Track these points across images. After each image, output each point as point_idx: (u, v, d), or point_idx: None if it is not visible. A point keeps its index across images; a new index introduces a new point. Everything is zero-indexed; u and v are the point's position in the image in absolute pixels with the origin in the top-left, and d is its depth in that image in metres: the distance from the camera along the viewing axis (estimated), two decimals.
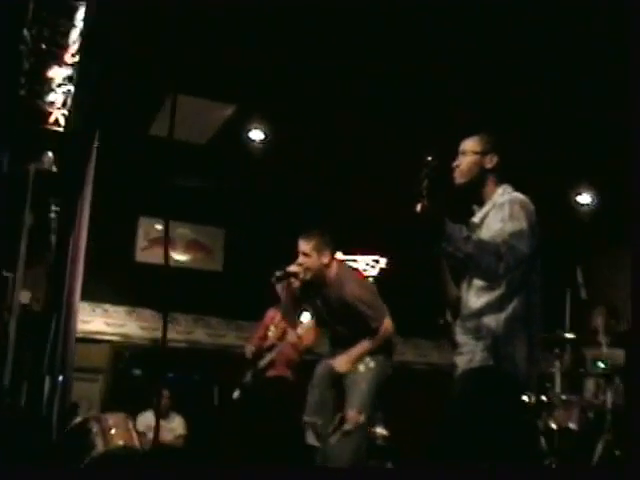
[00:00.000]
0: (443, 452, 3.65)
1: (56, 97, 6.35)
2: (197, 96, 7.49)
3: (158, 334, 9.45)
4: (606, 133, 7.35)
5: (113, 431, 3.86)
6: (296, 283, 5.49)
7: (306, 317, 6.71)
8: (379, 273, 10.04)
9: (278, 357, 7.05)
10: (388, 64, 6.68)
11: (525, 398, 7.10)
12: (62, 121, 6.81)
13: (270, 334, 7.13)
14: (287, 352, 7.00)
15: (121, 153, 7.84)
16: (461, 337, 3.71)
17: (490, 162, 3.82)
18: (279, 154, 8.28)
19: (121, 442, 3.81)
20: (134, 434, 3.94)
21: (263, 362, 7.10)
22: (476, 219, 3.79)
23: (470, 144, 3.87)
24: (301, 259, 5.27)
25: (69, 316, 3.78)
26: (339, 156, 8.49)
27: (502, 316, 3.59)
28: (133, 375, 9.05)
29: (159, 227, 9.39)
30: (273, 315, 7.19)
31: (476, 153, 3.81)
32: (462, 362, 3.66)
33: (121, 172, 8.30)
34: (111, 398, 8.86)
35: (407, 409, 8.72)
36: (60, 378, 3.77)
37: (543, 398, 6.73)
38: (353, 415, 5.07)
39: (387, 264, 10.08)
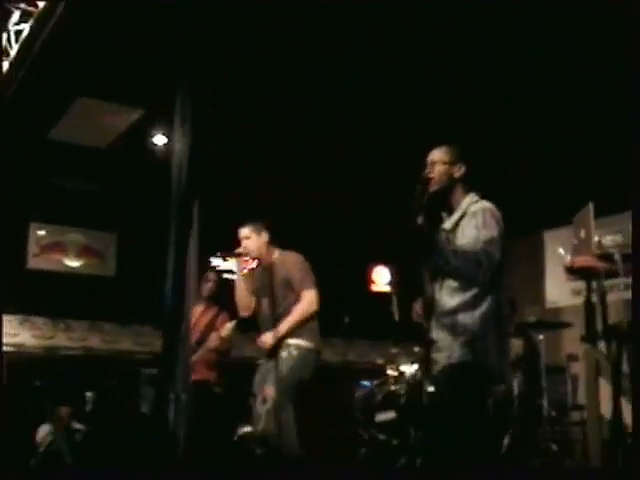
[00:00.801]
0: (430, 445, 3.93)
1: None
2: (103, 99, 7.42)
3: (52, 342, 9.30)
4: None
5: None
6: (250, 262, 5.76)
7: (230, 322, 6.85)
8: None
9: (199, 360, 6.95)
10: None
11: None
12: None
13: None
14: (208, 355, 6.98)
15: (13, 156, 7.64)
16: (438, 334, 3.99)
17: (458, 171, 4.13)
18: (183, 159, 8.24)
19: None
20: None
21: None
22: (447, 225, 4.09)
23: (439, 155, 4.16)
24: (244, 243, 5.92)
25: None
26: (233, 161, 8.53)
27: (477, 314, 3.92)
28: (31, 386, 8.78)
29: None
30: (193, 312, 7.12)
31: (445, 163, 4.12)
32: (441, 358, 3.95)
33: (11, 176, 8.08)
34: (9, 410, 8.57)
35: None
36: None
37: None
38: (269, 393, 5.51)
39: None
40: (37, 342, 9.21)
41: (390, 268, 8.67)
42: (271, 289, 5.78)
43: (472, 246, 3.85)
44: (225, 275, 6.01)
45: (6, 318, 8.90)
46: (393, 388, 7.61)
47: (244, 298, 6.08)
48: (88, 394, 8.20)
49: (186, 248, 3.71)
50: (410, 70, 6.59)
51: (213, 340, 6.91)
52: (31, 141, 8.01)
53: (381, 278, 10.93)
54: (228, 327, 6.78)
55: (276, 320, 5.72)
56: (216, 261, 5.81)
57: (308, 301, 5.70)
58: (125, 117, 7.79)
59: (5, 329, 8.90)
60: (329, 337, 9.83)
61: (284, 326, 5.66)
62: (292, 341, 5.70)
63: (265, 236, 5.98)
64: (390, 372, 7.75)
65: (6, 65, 6.21)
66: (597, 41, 6.09)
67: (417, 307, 4.26)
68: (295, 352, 5.65)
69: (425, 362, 4.09)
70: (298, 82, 6.85)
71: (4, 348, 8.77)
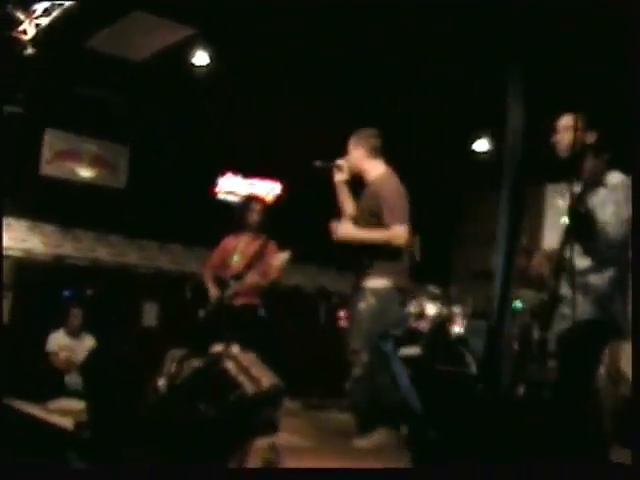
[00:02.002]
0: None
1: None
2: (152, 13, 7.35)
3: (60, 250, 9.26)
4: None
5: (254, 371, 4.02)
6: (338, 176, 5.57)
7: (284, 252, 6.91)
8: (274, 198, 10.35)
9: (245, 286, 6.93)
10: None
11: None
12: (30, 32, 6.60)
13: (234, 262, 7.08)
14: (256, 280, 7.04)
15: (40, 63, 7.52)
16: (567, 291, 4.21)
17: (590, 138, 4.30)
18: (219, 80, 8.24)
19: (268, 383, 3.97)
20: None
21: (230, 290, 6.93)
22: (586, 196, 4.21)
23: (568, 120, 4.32)
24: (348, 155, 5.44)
25: None
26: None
27: (606, 276, 4.18)
28: (39, 292, 8.79)
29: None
30: (234, 243, 7.14)
31: (576, 129, 4.24)
32: (571, 314, 4.18)
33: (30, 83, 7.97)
34: (20, 315, 8.60)
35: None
36: None
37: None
38: (356, 354, 5.09)
39: (281, 190, 10.41)
40: (45, 249, 9.12)
41: None
42: (368, 212, 5.25)
43: (615, 225, 4.03)
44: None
45: (15, 223, 8.85)
46: (414, 325, 7.99)
47: (343, 207, 5.57)
48: None
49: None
50: None
51: (263, 268, 6.92)
52: (64, 47, 7.80)
53: None
54: (282, 257, 6.79)
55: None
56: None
57: (394, 234, 5.09)
58: (172, 34, 7.71)
59: (14, 234, 8.87)
60: None
61: (357, 231, 5.23)
62: (368, 284, 5.19)
63: (362, 150, 5.40)
64: (412, 309, 8.10)
65: None
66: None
67: (537, 261, 4.47)
68: (372, 298, 5.17)
69: (547, 315, 4.32)
70: None
71: (12, 252, 8.79)
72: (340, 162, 5.48)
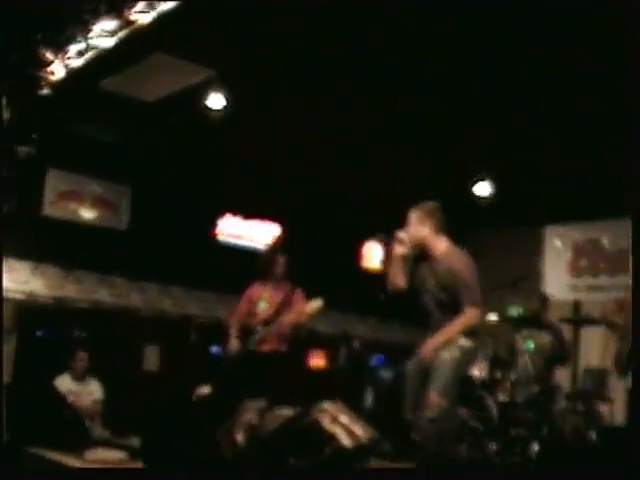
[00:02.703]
0: None
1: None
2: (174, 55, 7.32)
3: (62, 292, 9.09)
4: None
5: (348, 422, 3.98)
6: (399, 249, 5.54)
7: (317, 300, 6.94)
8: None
9: (273, 332, 6.96)
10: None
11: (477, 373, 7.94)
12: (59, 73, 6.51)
13: (261, 310, 7.10)
14: (282, 328, 7.04)
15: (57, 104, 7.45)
16: None
17: None
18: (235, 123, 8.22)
19: (365, 435, 3.94)
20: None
21: (257, 335, 6.95)
22: None
23: None
24: (407, 228, 5.43)
25: None
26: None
27: None
28: (41, 335, 8.61)
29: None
30: (259, 291, 7.19)
31: None
32: None
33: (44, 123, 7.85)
34: (23, 360, 8.40)
35: None
36: None
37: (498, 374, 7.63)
38: (434, 399, 5.10)
39: (281, 232, 10.39)
40: (47, 292, 8.95)
41: None
42: (431, 286, 5.40)
43: None
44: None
45: (18, 265, 8.68)
46: None
47: (394, 276, 5.55)
48: None
49: None
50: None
51: (291, 315, 6.96)
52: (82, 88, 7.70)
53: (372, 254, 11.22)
54: (315, 305, 6.87)
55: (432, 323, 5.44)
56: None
57: (471, 317, 5.28)
58: (190, 76, 7.68)
59: (16, 275, 8.68)
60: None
61: (443, 336, 5.29)
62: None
63: (429, 225, 5.42)
64: None
65: None
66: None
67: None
68: (457, 352, 5.27)
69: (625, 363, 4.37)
70: None
71: (16, 295, 8.60)
72: (402, 235, 5.42)
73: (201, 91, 7.88)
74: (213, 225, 10.03)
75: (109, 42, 5.96)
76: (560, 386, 7.99)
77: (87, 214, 9.22)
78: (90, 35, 5.95)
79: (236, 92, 7.85)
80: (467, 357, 5.43)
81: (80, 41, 6.10)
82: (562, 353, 8.17)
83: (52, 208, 8.96)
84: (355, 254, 11.03)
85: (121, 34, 5.85)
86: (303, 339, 7.51)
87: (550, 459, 7.04)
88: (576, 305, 7.93)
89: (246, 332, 7.04)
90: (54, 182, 8.99)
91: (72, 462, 5.63)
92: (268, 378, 6.89)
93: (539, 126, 8.11)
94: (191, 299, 9.91)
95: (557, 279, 9.55)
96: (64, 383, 8.21)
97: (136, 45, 6.55)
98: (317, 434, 3.94)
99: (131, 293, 9.52)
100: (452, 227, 10.66)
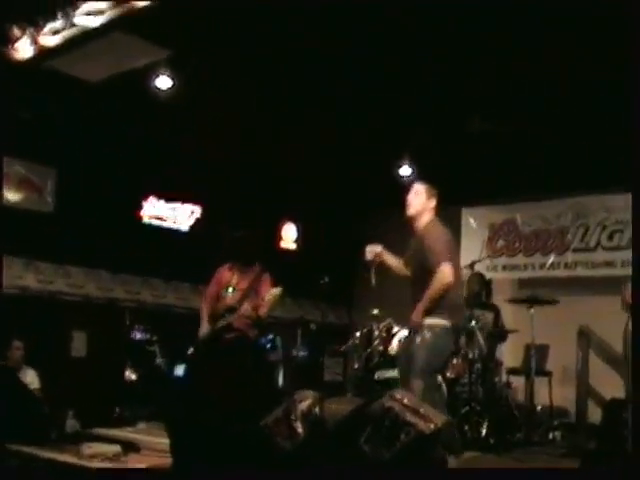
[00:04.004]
0: None
1: None
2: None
3: None
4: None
5: (422, 409, 4.11)
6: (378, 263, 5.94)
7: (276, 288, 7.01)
8: (193, 223, 10.25)
9: (238, 318, 6.95)
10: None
11: None
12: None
13: (229, 294, 7.06)
14: (248, 312, 7.02)
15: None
16: None
17: None
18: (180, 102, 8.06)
19: (440, 420, 4.08)
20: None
21: (222, 322, 6.97)
22: None
23: None
24: (410, 197, 5.86)
25: None
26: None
27: None
28: None
29: None
30: (228, 275, 7.17)
31: None
32: None
33: None
34: None
35: None
36: None
37: None
38: (414, 385, 5.34)
39: (201, 214, 10.30)
40: None
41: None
42: (416, 258, 5.78)
43: None
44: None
45: None
46: (382, 347, 8.20)
47: (395, 269, 6.11)
48: None
49: None
50: None
51: (257, 301, 6.98)
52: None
53: (289, 235, 11.33)
54: (274, 292, 6.91)
55: (415, 293, 5.73)
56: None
57: (444, 274, 5.51)
58: (145, 57, 7.49)
59: None
60: None
61: (423, 303, 5.56)
62: (427, 320, 5.56)
63: (433, 203, 5.89)
64: (378, 332, 8.31)
65: None
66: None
67: (626, 295, 4.84)
68: (428, 335, 5.52)
69: None
70: None
71: None
72: (369, 258, 6.03)
73: (148, 72, 7.71)
74: (137, 207, 9.79)
75: (95, 21, 5.73)
76: (501, 362, 8.45)
77: (12, 196, 8.78)
78: (75, 13, 5.69)
79: (184, 74, 7.72)
80: (441, 337, 5.61)
81: (60, 19, 5.83)
82: (502, 331, 8.62)
83: None
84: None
85: (110, 13, 5.62)
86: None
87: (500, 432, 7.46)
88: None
89: (214, 317, 7.03)
90: None
91: (69, 459, 5.49)
92: (234, 364, 6.96)
93: (462, 106, 8.38)
94: (117, 283, 9.67)
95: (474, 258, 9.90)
96: None
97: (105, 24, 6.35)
98: (390, 421, 4.02)
99: (57, 278, 9.18)
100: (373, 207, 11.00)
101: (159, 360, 9.85)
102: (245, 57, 7.45)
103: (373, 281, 6.06)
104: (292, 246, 11.31)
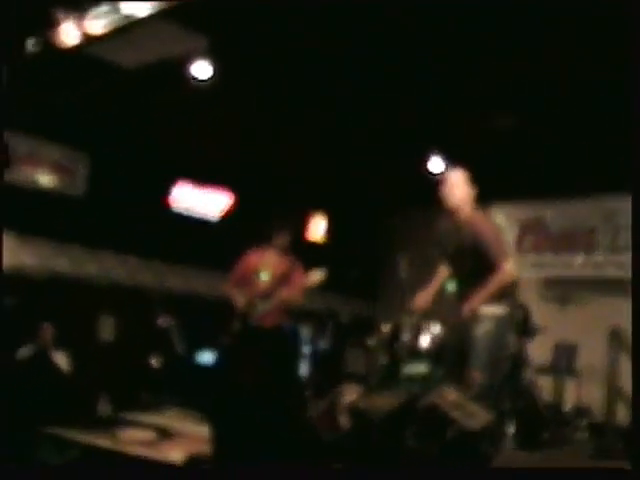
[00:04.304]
0: None
1: None
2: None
3: (22, 261, 8.71)
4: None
5: (467, 406, 4.13)
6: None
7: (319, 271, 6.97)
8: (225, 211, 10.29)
9: (274, 306, 6.89)
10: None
11: None
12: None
13: (262, 280, 6.96)
14: (283, 302, 6.94)
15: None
16: None
17: None
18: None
19: (486, 417, 4.09)
20: None
21: (260, 309, 6.87)
22: None
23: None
24: (448, 191, 5.65)
25: None
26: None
27: None
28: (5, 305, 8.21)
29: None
30: (258, 260, 7.08)
31: None
32: None
33: None
34: None
35: None
36: None
37: None
38: (476, 376, 5.13)
39: (233, 203, 10.33)
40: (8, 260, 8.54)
41: None
42: (459, 251, 5.56)
43: None
44: None
45: None
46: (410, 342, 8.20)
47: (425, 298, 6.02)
48: None
49: None
50: None
51: (291, 290, 6.93)
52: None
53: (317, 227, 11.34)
54: (319, 276, 6.87)
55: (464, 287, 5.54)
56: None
57: (505, 272, 5.36)
58: (183, 44, 7.49)
59: None
60: None
61: (481, 295, 5.31)
62: (485, 310, 5.33)
63: (473, 192, 5.66)
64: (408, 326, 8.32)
65: None
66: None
67: None
68: (490, 324, 5.32)
69: None
70: None
71: None
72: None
73: (185, 60, 7.72)
74: (167, 194, 9.82)
75: (142, 10, 5.73)
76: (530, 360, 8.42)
77: (44, 179, 8.83)
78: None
79: (223, 64, 7.73)
80: (502, 326, 5.50)
81: (106, 6, 5.83)
82: (531, 328, 8.59)
83: (9, 172, 8.50)
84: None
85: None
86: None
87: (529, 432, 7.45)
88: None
89: (247, 303, 6.93)
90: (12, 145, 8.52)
91: (105, 443, 5.52)
92: (273, 352, 6.94)
93: (489, 101, 8.36)
94: (145, 268, 9.71)
95: None
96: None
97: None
98: (437, 417, 4.03)
99: (87, 262, 9.23)
100: (403, 202, 11.02)
101: (179, 347, 9.87)
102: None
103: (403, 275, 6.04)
104: (320, 239, 11.29)
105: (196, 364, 9.38)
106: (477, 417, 4.02)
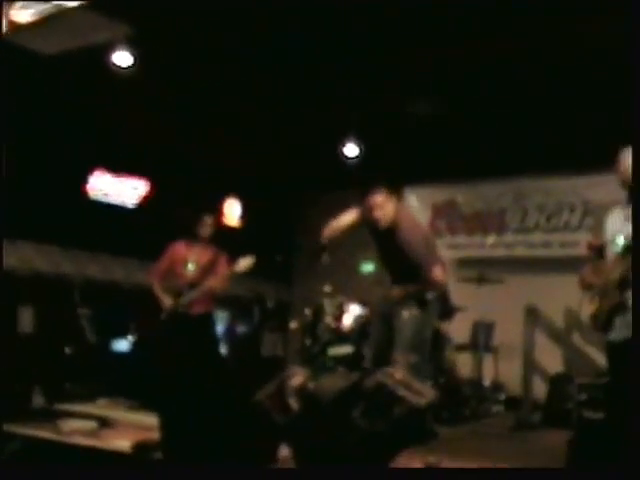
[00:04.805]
0: None
1: None
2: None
3: None
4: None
5: (414, 385, 4.34)
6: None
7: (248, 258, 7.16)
8: (141, 198, 10.23)
9: (201, 294, 7.27)
10: None
11: None
12: None
13: (189, 271, 7.28)
14: (210, 290, 7.31)
15: None
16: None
17: None
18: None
19: (431, 394, 4.32)
20: None
21: (187, 298, 7.21)
22: None
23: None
24: (377, 213, 5.85)
25: None
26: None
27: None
28: None
29: None
30: (184, 252, 7.33)
31: None
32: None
33: None
34: None
35: None
36: None
37: None
38: (401, 358, 5.51)
39: (149, 189, 10.28)
40: None
41: None
42: (394, 251, 5.88)
43: None
44: None
45: None
46: (335, 325, 8.40)
47: (339, 230, 6.12)
48: None
49: None
50: None
51: (217, 279, 7.20)
52: None
53: (232, 211, 11.42)
54: (247, 262, 7.09)
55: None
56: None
57: (436, 278, 5.75)
58: (103, 33, 7.47)
59: None
60: None
61: (413, 288, 5.74)
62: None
63: (395, 199, 5.94)
64: (330, 309, 8.51)
65: None
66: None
67: (587, 275, 5.14)
68: (417, 309, 5.74)
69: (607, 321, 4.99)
70: None
71: None
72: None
73: (107, 48, 7.68)
74: (85, 182, 9.72)
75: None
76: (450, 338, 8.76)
77: None
78: None
79: (144, 52, 7.72)
80: (428, 312, 5.93)
81: None
82: (451, 308, 8.91)
83: None
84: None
85: None
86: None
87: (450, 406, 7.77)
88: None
89: (173, 293, 7.17)
90: None
91: (48, 434, 5.54)
92: (204, 338, 7.16)
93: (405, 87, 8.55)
94: (66, 258, 9.61)
95: None
96: None
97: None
98: (384, 396, 4.23)
99: (6, 253, 9.05)
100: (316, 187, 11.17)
101: (91, 335, 9.82)
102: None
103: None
104: (235, 223, 11.38)
105: (114, 352, 9.37)
106: (423, 394, 4.21)
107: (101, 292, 9.84)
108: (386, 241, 5.95)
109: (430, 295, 5.91)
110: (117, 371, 8.20)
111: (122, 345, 9.54)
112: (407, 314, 5.72)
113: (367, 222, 6.02)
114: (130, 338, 9.51)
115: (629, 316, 4.65)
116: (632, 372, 3.84)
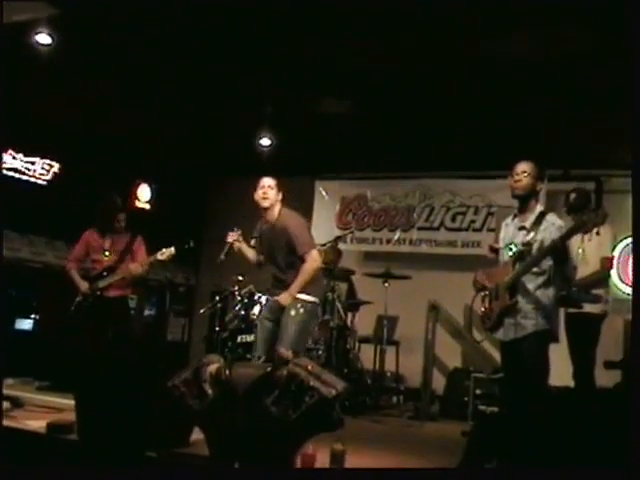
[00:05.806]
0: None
1: None
2: None
3: None
4: None
5: (324, 376, 4.56)
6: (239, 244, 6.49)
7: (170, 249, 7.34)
8: (52, 177, 10.16)
9: (118, 278, 7.52)
10: None
11: None
12: None
13: (105, 257, 7.56)
14: (126, 274, 7.53)
15: None
16: (523, 305, 5.26)
17: (539, 187, 5.49)
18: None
19: (341, 386, 4.55)
20: None
21: (104, 281, 7.46)
22: (527, 224, 5.38)
23: (530, 168, 5.44)
24: (265, 191, 6.26)
25: None
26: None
27: (549, 293, 5.31)
28: None
29: None
30: (100, 241, 7.67)
31: (534, 177, 5.42)
32: (529, 325, 5.19)
33: None
34: None
35: None
36: None
37: None
38: (283, 352, 5.78)
39: (60, 169, 10.22)
40: None
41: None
42: (273, 247, 6.32)
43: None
44: None
45: None
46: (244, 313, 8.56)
47: (249, 257, 6.62)
48: None
49: None
50: None
51: (135, 263, 7.39)
52: None
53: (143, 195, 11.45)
54: (169, 252, 7.28)
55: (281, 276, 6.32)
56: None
57: (313, 259, 6.21)
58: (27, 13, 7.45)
59: None
60: None
61: (295, 285, 6.13)
62: (299, 296, 6.17)
63: (280, 195, 6.34)
64: (240, 298, 8.67)
65: None
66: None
67: (480, 277, 5.52)
68: (302, 309, 6.14)
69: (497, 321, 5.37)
70: None
71: None
72: (232, 237, 6.48)
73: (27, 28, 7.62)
74: None
75: None
76: (355, 331, 9.05)
77: None
78: None
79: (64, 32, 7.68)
80: (312, 312, 6.33)
81: None
82: (357, 302, 9.21)
83: None
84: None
85: None
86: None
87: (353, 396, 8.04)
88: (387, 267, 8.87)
89: (89, 277, 7.33)
90: None
91: None
92: (115, 321, 7.33)
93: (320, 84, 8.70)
94: None
95: (325, 230, 10.44)
96: None
97: None
98: (296, 386, 4.44)
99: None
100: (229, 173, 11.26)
101: None
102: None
103: (223, 258, 6.46)
104: (146, 206, 11.41)
105: (18, 331, 9.35)
106: (333, 385, 4.42)
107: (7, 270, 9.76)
108: (269, 236, 6.37)
109: (313, 298, 6.29)
110: (22, 350, 8.18)
111: (26, 324, 9.53)
112: (292, 313, 6.14)
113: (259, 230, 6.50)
114: (35, 317, 9.53)
115: (517, 318, 5.15)
116: (632, 373, 4.05)
